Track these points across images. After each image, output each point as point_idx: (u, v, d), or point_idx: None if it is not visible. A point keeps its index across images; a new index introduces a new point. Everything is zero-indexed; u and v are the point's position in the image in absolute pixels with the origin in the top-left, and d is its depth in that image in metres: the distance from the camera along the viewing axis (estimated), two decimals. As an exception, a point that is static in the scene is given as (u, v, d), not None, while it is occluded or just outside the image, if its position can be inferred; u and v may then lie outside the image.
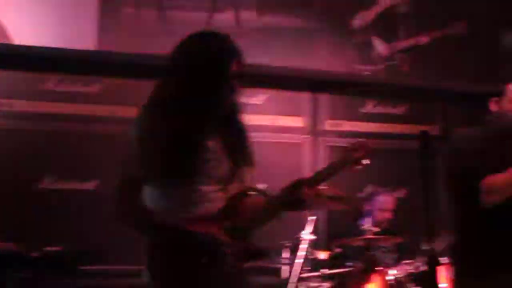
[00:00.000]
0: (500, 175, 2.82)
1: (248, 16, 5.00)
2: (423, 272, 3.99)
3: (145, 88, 3.76)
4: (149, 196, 2.27)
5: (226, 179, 2.34)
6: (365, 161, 2.48)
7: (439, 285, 3.43)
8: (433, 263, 2.65)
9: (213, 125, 2.29)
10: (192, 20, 4.75)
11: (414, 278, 4.04)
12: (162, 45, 3.96)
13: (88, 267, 4.05)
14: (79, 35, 4.54)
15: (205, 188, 2.29)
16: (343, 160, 2.46)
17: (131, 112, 4.02)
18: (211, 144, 2.29)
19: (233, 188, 2.35)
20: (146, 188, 2.27)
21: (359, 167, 2.45)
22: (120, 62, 4.15)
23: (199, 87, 2.25)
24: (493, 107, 3.05)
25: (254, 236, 2.36)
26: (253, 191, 2.43)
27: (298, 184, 2.30)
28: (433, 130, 5.12)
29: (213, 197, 2.30)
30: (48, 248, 3.66)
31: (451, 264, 3.12)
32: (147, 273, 2.27)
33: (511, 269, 2.79)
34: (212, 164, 2.29)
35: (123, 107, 4.58)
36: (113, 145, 4.27)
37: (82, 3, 4.66)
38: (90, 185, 4.47)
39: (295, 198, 2.34)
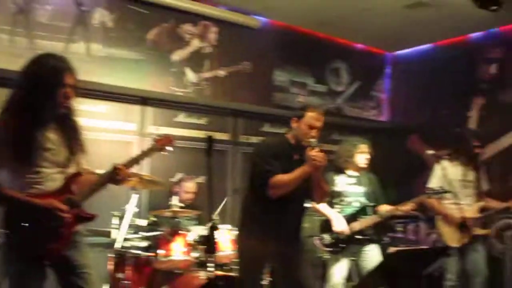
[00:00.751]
0: (283, 176, 3.53)
1: (96, 47, 5.49)
2: (207, 235, 4.57)
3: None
4: (3, 177, 2.68)
5: (64, 163, 2.82)
6: (169, 148, 3.21)
7: (220, 244, 4.70)
8: (213, 228, 3.03)
9: (51, 121, 2.74)
10: (54, 48, 5.08)
11: (203, 240, 4.70)
12: None
13: None
14: None
15: (47, 170, 2.74)
16: (151, 147, 3.15)
17: None
18: (51, 136, 2.74)
19: (70, 170, 2.85)
20: (1, 171, 2.68)
21: (164, 152, 3.19)
22: None
23: (40, 93, 2.67)
24: (293, 124, 3.73)
25: (86, 205, 2.86)
26: (86, 171, 2.95)
27: (118, 166, 2.89)
28: (226, 136, 6.61)
29: (54, 177, 2.77)
30: None
31: (237, 230, 4.03)
32: (2, 231, 2.69)
33: (263, 235, 3.56)
34: (52, 152, 2.74)
35: None
36: None
37: None
38: None
39: (115, 175, 2.89)
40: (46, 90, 2.67)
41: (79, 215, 2.80)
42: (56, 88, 2.67)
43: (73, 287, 2.80)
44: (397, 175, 7.04)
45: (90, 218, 2.86)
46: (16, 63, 4.69)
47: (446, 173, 4.44)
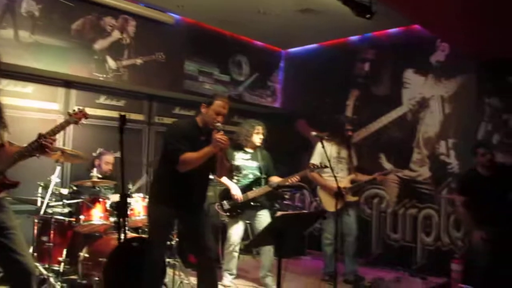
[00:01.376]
0: (191, 154, 3.69)
1: (24, 34, 5.57)
2: (118, 202, 4.80)
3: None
4: None
5: None
6: (82, 121, 3.36)
7: (135, 210, 4.94)
8: (124, 196, 2.96)
9: None
10: None
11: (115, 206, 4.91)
12: None
13: None
14: None
15: None
16: (68, 119, 3.31)
17: None
18: None
19: None
20: None
21: (79, 124, 3.36)
22: None
23: None
24: (202, 109, 3.89)
25: (15, 177, 3.02)
26: (9, 144, 3.07)
27: (41, 135, 3.02)
28: (142, 117, 6.90)
29: None
30: None
31: (148, 198, 4.26)
32: None
33: (176, 201, 3.81)
34: None
35: None
36: None
37: None
38: None
39: (37, 146, 3.00)
40: None
41: (3, 182, 2.92)
42: None
43: (2, 248, 2.89)
44: (287, 152, 7.50)
45: (13, 185, 2.98)
46: None
47: (324, 151, 4.64)
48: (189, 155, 3.68)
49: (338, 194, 4.65)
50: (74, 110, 3.39)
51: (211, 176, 4.19)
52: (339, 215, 5.43)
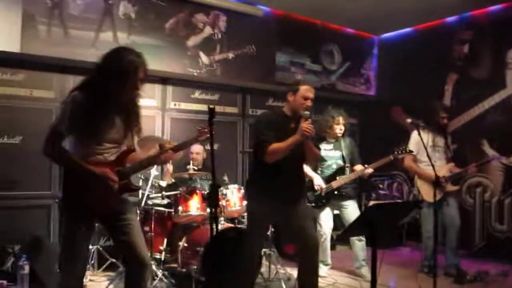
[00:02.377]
0: (278, 144, 3.70)
1: (122, 35, 5.83)
2: (209, 192, 4.85)
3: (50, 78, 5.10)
4: (70, 143, 2.88)
5: (122, 141, 3.02)
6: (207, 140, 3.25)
7: (231, 200, 4.99)
8: (213, 186, 2.93)
9: (120, 104, 2.91)
10: (85, 37, 5.56)
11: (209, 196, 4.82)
12: (65, 52, 5.41)
13: (7, 193, 5.06)
14: (7, 40, 5.19)
15: (107, 144, 2.94)
16: (194, 138, 3.30)
17: (41, 93, 5.42)
18: (116, 117, 2.93)
19: (124, 147, 3.05)
20: (69, 138, 2.87)
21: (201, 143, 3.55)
22: (37, 61, 5.51)
23: (117, 81, 2.82)
24: (289, 98, 3.91)
25: (131, 178, 3.08)
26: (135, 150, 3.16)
27: (164, 149, 3.08)
28: (236, 110, 7.11)
29: (111, 151, 2.98)
30: None
31: (245, 189, 4.46)
32: (62, 189, 2.94)
33: (273, 195, 3.79)
34: (115, 130, 2.94)
35: (37, 90, 5.69)
36: (30, 115, 5.55)
37: (9, 21, 5.20)
38: (16, 140, 5.51)
39: (161, 158, 3.10)
40: (123, 80, 2.83)
41: (128, 186, 3.03)
42: (132, 79, 2.85)
43: (122, 238, 2.99)
44: (383, 141, 7.12)
45: (135, 189, 3.10)
46: (53, 51, 5.40)
47: (421, 138, 4.57)
48: (276, 146, 3.70)
49: (436, 183, 4.46)
50: (201, 127, 3.38)
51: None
52: (438, 205, 5.24)
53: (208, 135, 3.19)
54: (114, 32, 5.88)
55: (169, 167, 5.67)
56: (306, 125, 3.61)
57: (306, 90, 3.84)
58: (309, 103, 3.82)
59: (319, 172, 5.31)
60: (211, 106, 2.98)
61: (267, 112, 4.17)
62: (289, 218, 3.90)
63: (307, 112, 3.72)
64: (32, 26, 5.38)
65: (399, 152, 5.19)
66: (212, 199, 3.59)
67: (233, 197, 5.07)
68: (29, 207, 5.51)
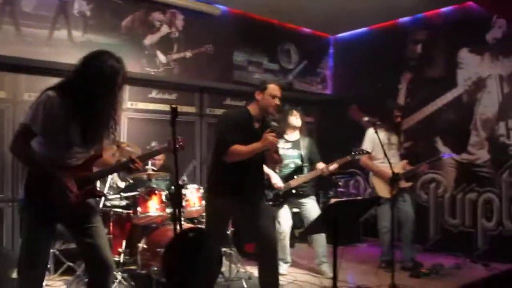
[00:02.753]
0: (240, 147, 3.69)
1: (77, 34, 5.74)
2: (173, 193, 4.86)
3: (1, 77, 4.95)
4: (37, 144, 2.83)
5: (89, 145, 2.97)
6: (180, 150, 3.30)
7: (190, 200, 4.97)
8: (177, 186, 2.91)
9: (97, 108, 2.83)
10: (39, 35, 5.44)
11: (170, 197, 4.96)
12: (18, 50, 5.23)
13: None
14: None
15: (77, 149, 2.91)
16: (163, 148, 3.40)
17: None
18: (89, 124, 2.87)
19: (94, 152, 3.02)
20: (37, 138, 2.81)
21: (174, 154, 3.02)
22: None
23: (96, 85, 2.77)
24: (257, 96, 3.89)
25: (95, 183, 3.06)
26: (107, 155, 3.21)
27: (132, 160, 3.07)
28: (193, 109, 7.07)
29: (79, 156, 2.94)
30: None
31: (204, 188, 4.45)
32: (23, 190, 2.86)
33: (226, 194, 3.82)
34: (87, 134, 2.89)
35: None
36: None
37: None
38: None
39: (130, 165, 3.06)
40: (102, 84, 2.78)
41: (93, 191, 3.01)
42: (111, 84, 2.82)
43: (85, 242, 2.96)
44: (340, 139, 7.40)
45: (100, 195, 3.17)
46: (4, 49, 5.22)
47: (377, 136, 4.66)
48: (238, 148, 3.69)
49: (393, 179, 4.55)
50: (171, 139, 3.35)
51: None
52: (395, 202, 5.28)
53: (179, 147, 3.26)
54: (69, 30, 5.77)
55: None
56: (271, 137, 3.60)
57: (274, 89, 3.84)
58: (277, 101, 3.83)
59: (277, 171, 5.31)
60: (174, 106, 2.91)
61: (231, 111, 4.14)
62: (248, 216, 3.89)
63: (274, 123, 3.77)
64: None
65: (357, 153, 5.25)
66: (175, 200, 3.44)
67: (193, 197, 5.06)
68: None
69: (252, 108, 3.93)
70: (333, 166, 5.16)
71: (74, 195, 2.82)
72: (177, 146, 3.02)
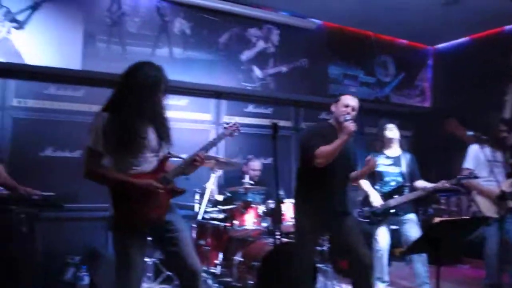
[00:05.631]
0: (325, 146, 3.70)
1: (177, 51, 6.01)
2: (273, 208, 5.03)
3: (108, 93, 4.95)
4: (108, 161, 2.94)
5: (157, 149, 3.05)
6: (235, 134, 3.57)
7: (286, 215, 4.95)
8: (278, 202, 3.19)
9: (148, 116, 2.97)
10: (143, 53, 5.72)
11: (271, 212, 5.05)
12: (123, 68, 5.39)
13: (70, 205, 4.77)
14: (69, 58, 5.46)
15: (144, 155, 2.99)
16: (222, 134, 3.51)
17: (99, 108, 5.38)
18: (147, 128, 2.98)
19: (161, 155, 3.09)
20: (107, 157, 2.92)
21: (232, 136, 3.55)
22: (96, 78, 5.66)
23: (141, 95, 2.91)
24: (332, 109, 3.98)
25: (176, 183, 3.12)
26: (173, 156, 3.24)
27: (196, 154, 3.13)
28: (289, 123, 7.11)
29: (150, 160, 3.03)
30: (45, 193, 4.24)
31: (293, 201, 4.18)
32: (111, 207, 2.95)
33: (323, 205, 3.77)
34: (148, 140, 2.98)
35: (96, 105, 5.73)
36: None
37: (71, 41, 5.47)
38: (76, 154, 5.65)
39: (193, 159, 3.12)
40: (147, 93, 2.93)
41: (173, 190, 3.08)
42: (155, 92, 2.96)
43: (171, 249, 3.02)
44: (439, 154, 7.19)
45: (181, 192, 3.14)
46: (112, 67, 5.44)
47: (478, 153, 4.47)
48: (324, 148, 3.69)
49: (500, 198, 4.29)
50: (227, 123, 3.60)
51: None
52: (503, 222, 4.90)
53: (235, 129, 3.51)
54: (170, 47, 6.06)
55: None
56: (348, 123, 3.65)
57: (346, 98, 3.89)
58: (349, 110, 3.83)
59: (377, 187, 5.16)
60: (274, 122, 3.06)
61: (315, 124, 4.24)
62: (338, 232, 3.84)
63: (347, 116, 3.75)
64: (92, 44, 5.64)
65: (464, 177, 4.95)
66: (276, 215, 4.05)
67: (289, 212, 5.03)
68: (89, 219, 5.64)
69: (333, 122, 3.97)
70: (436, 187, 4.96)
71: (163, 190, 2.94)
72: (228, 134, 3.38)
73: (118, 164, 2.94)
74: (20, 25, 5.33)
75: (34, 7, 5.39)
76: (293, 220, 4.49)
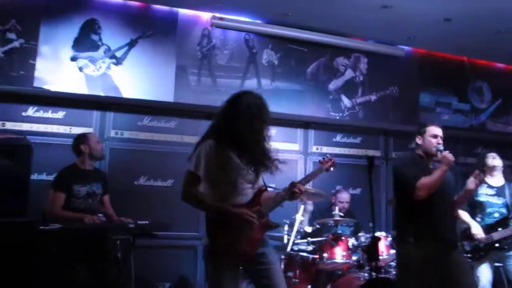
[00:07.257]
0: (425, 178, 3.58)
1: (265, 82, 6.14)
2: (369, 244, 4.52)
3: (198, 124, 5.32)
4: (205, 189, 2.94)
5: (253, 181, 3.05)
6: (331, 168, 3.63)
7: (379, 251, 4.57)
8: (374, 238, 3.12)
9: (248, 146, 2.95)
10: (232, 85, 5.87)
11: (364, 246, 4.90)
12: (213, 99, 5.60)
13: (162, 233, 4.63)
14: (163, 91, 5.73)
15: (241, 186, 2.98)
16: (319, 169, 3.52)
17: (190, 139, 5.54)
18: (246, 158, 2.97)
19: (257, 186, 3.07)
20: (203, 183, 2.93)
21: (328, 171, 3.57)
22: (188, 109, 5.85)
23: (242, 124, 2.90)
24: (418, 141, 3.87)
25: (269, 216, 3.06)
26: (268, 187, 3.21)
27: (293, 184, 3.06)
28: (378, 153, 6.87)
29: (246, 192, 3.01)
30: (140, 222, 4.22)
31: (393, 233, 4.24)
32: (205, 237, 2.95)
33: (428, 238, 3.59)
34: (246, 171, 2.98)
35: (187, 136, 5.83)
36: (180, 159, 5.20)
37: (165, 74, 5.74)
38: (168, 183, 5.75)
39: (291, 192, 3.04)
40: (248, 122, 2.91)
41: (266, 224, 3.03)
42: (256, 121, 2.95)
43: (262, 279, 2.97)
44: None
45: (275, 226, 3.10)
46: (203, 99, 5.75)
47: None
48: (425, 180, 3.57)
49: None
50: (323, 158, 3.65)
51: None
52: None
53: (331, 164, 3.58)
54: (258, 78, 6.21)
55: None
56: (446, 153, 3.60)
57: (433, 130, 3.81)
58: (439, 140, 3.76)
59: (478, 219, 4.86)
60: (370, 155, 3.12)
61: (405, 153, 4.16)
62: (448, 268, 3.59)
63: (441, 147, 3.70)
64: (183, 77, 5.91)
65: None
66: (371, 251, 3.74)
67: (380, 245, 4.79)
68: (179, 247, 5.71)
69: (420, 152, 3.87)
70: None
71: (257, 222, 2.91)
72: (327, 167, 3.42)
73: (216, 191, 2.96)
74: (118, 61, 5.73)
75: (131, 44, 5.76)
76: (391, 255, 4.50)
